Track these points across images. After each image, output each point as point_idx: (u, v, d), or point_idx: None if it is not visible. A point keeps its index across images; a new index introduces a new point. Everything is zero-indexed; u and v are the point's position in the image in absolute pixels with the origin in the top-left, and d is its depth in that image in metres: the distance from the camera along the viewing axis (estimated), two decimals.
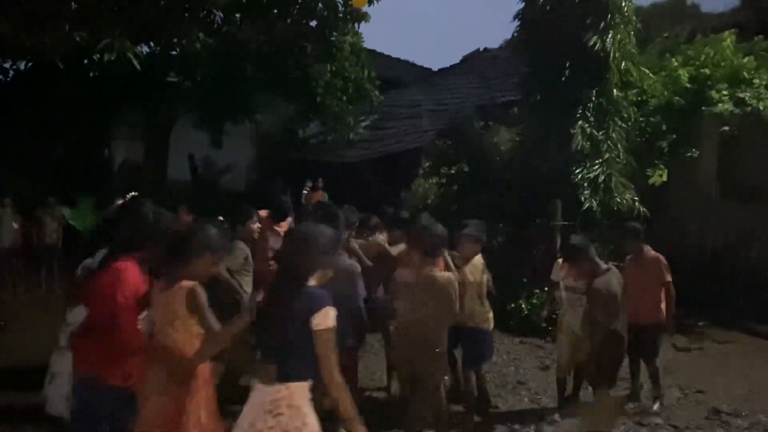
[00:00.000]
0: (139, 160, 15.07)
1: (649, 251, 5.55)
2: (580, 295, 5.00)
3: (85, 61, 6.72)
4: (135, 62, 6.64)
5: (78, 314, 3.51)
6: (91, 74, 8.15)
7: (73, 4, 7.23)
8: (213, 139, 16.62)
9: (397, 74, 17.83)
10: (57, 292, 9.29)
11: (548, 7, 8.40)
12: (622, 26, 8.57)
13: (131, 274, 3.00)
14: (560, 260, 5.45)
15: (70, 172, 11.49)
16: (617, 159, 8.56)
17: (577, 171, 8.31)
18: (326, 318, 2.54)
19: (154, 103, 11.76)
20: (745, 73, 9.09)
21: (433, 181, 10.70)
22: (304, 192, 12.97)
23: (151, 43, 8.66)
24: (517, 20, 9.23)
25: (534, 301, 7.87)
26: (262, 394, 2.60)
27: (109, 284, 2.98)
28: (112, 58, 6.42)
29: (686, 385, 6.16)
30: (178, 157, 15.26)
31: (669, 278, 5.43)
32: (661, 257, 5.50)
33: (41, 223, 9.46)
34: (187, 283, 2.88)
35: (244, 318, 2.83)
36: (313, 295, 2.60)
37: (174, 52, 9.01)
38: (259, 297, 2.85)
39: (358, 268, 4.25)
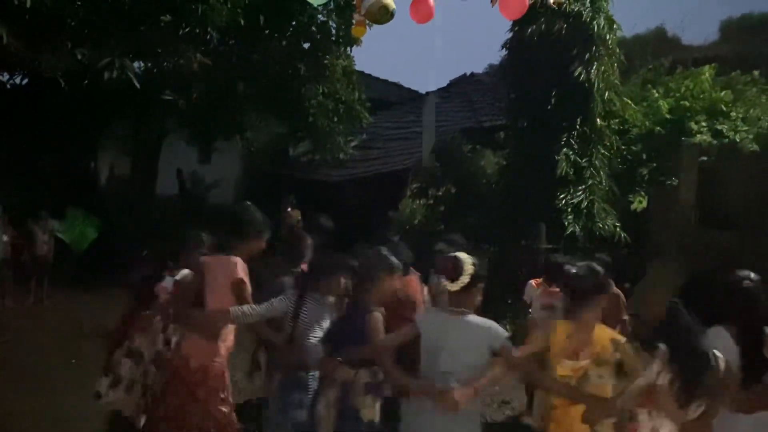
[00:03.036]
0: (128, 173, 15.13)
1: (612, 287, 5.49)
2: (550, 313, 5.11)
3: (85, 81, 6.84)
4: (135, 81, 6.80)
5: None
6: (84, 84, 8.26)
7: (74, 22, 7.42)
8: (201, 155, 16.74)
9: (386, 95, 18.07)
10: (46, 304, 9.35)
11: (535, 38, 8.70)
12: (606, 58, 8.91)
13: None
14: (533, 281, 5.70)
15: (60, 184, 11.53)
16: (600, 185, 8.85)
17: (561, 196, 8.57)
18: None
19: (146, 119, 11.88)
20: (722, 106, 9.46)
21: (421, 202, 10.92)
22: (288, 209, 13.03)
23: (148, 62, 8.83)
24: (505, 49, 9.57)
25: (519, 321, 8.06)
26: None
27: None
28: (113, 76, 6.58)
29: None
30: (166, 172, 15.34)
31: (625, 316, 5.23)
32: (621, 294, 5.35)
33: (32, 235, 9.48)
34: None
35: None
36: None
37: (167, 64, 9.17)
38: None
39: None
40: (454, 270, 3.28)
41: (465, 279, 3.26)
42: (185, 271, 4.21)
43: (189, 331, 3.89)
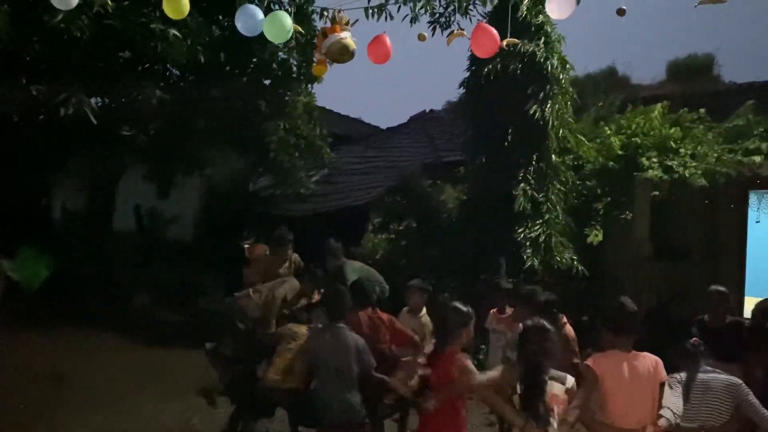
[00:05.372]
0: (84, 210, 14.78)
1: (567, 326, 5.39)
2: (500, 336, 5.59)
3: (40, 117, 6.72)
4: (92, 116, 6.72)
5: None
6: (40, 120, 8.12)
7: (29, 57, 7.32)
8: (160, 191, 16.48)
9: (347, 131, 18.20)
10: None
11: (492, 77, 8.94)
12: (559, 96, 9.19)
13: None
14: (492, 310, 5.87)
15: (12, 222, 11.20)
16: (557, 220, 9.04)
17: (520, 230, 8.72)
18: None
19: (103, 154, 11.70)
20: (672, 143, 9.77)
21: (382, 236, 10.94)
22: (245, 246, 12.85)
23: (106, 98, 8.74)
24: (462, 87, 9.79)
25: (480, 356, 8.08)
26: None
27: None
28: (69, 112, 6.49)
29: None
30: (123, 208, 15.04)
31: (576, 359, 5.04)
32: (574, 335, 5.35)
33: None
34: None
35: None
36: None
37: (125, 100, 9.11)
38: None
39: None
40: None
41: None
42: (566, 376, 3.70)
43: None
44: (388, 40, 4.71)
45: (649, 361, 3.61)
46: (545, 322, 3.68)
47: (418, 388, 3.88)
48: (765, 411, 3.74)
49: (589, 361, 3.60)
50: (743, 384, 3.83)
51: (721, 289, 5.57)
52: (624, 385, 3.51)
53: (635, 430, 3.47)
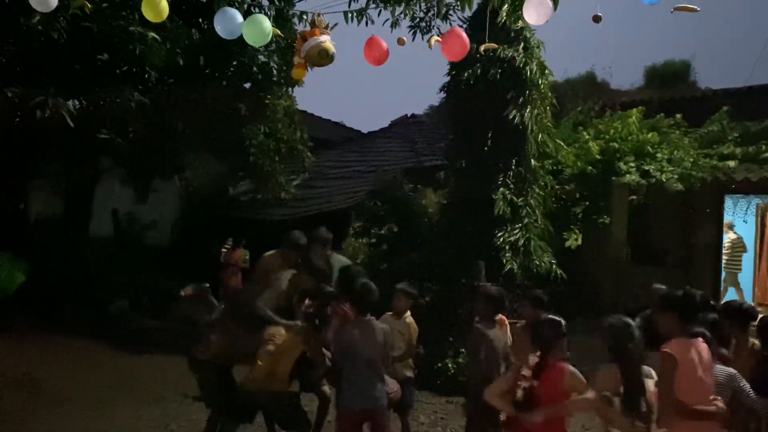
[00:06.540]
0: (60, 215, 14.59)
1: None
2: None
3: (16, 120, 6.62)
4: (69, 119, 6.64)
5: None
6: (15, 123, 8.01)
7: (4, 59, 7.23)
8: (138, 195, 16.33)
9: (328, 135, 18.20)
10: None
11: (472, 82, 8.98)
12: (538, 101, 9.25)
13: None
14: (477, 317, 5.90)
15: None
16: (536, 224, 9.10)
17: (499, 234, 8.77)
18: None
19: (79, 158, 11.56)
20: (649, 147, 9.91)
21: (363, 240, 10.94)
22: (223, 250, 12.75)
23: (83, 100, 8.63)
24: (443, 92, 9.83)
25: (460, 360, 8.10)
26: None
27: None
28: (46, 115, 6.41)
29: None
30: (101, 213, 14.88)
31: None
32: None
33: None
34: None
35: None
36: None
37: (103, 103, 9.01)
38: None
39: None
40: None
41: None
42: (650, 370, 3.83)
43: None
44: (383, 42, 4.73)
45: (705, 346, 3.78)
46: (627, 318, 3.75)
47: (523, 401, 3.82)
48: (754, 395, 4.01)
49: (666, 348, 3.67)
50: (738, 374, 4.04)
51: (662, 286, 5.80)
52: (696, 369, 3.65)
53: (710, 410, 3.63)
